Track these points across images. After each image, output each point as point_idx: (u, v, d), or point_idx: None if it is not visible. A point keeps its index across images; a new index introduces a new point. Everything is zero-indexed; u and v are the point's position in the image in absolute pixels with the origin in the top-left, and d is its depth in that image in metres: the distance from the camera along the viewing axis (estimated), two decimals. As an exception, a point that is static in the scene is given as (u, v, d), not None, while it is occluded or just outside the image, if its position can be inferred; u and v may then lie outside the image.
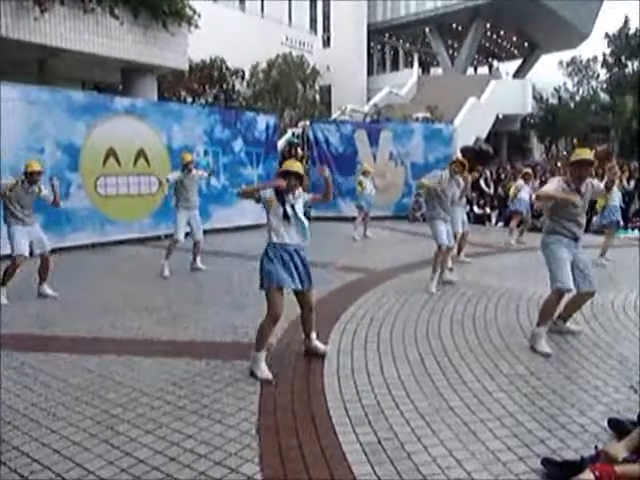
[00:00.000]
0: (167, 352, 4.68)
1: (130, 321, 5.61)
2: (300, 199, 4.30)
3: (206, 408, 3.59)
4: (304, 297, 4.37)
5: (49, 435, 3.23)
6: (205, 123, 12.55)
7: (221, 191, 12.80)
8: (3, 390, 3.83)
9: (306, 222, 4.28)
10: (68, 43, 12.05)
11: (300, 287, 4.23)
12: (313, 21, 34.65)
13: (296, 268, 4.19)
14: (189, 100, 24.11)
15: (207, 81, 24.83)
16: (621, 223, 10.12)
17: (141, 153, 11.15)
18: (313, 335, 4.57)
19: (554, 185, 4.79)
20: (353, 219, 12.26)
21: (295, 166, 4.29)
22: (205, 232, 8.49)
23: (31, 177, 6.47)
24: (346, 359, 4.48)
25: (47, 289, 6.61)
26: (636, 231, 12.54)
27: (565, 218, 4.78)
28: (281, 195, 4.17)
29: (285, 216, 4.14)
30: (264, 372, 4.07)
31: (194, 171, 8.24)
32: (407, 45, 45.48)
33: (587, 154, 4.76)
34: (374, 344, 4.86)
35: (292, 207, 4.18)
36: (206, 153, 12.51)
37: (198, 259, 8.28)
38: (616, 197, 9.52)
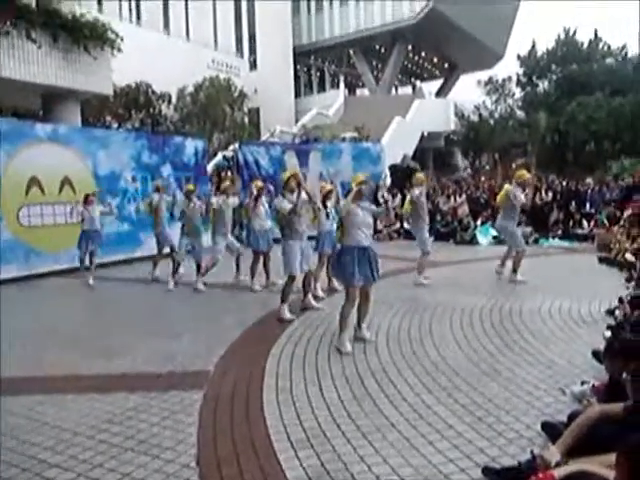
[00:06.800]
0: (99, 387, 4.48)
1: (59, 357, 5.35)
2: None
3: (143, 444, 3.45)
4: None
5: (-30, 487, 3.01)
6: (132, 148, 12.28)
7: (152, 218, 12.46)
8: None
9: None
10: (-19, 68, 11.54)
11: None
12: (239, 44, 34.75)
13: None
14: (115, 125, 23.55)
15: (133, 105, 24.34)
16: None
17: (66, 181, 10.77)
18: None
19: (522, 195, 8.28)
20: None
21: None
22: (137, 260, 8.22)
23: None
24: (285, 382, 4.44)
25: None
26: (557, 240, 13.14)
27: (516, 213, 8.48)
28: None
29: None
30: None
31: None
32: (333, 67, 46.31)
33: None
34: (312, 365, 4.84)
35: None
36: (134, 179, 12.22)
37: None
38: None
